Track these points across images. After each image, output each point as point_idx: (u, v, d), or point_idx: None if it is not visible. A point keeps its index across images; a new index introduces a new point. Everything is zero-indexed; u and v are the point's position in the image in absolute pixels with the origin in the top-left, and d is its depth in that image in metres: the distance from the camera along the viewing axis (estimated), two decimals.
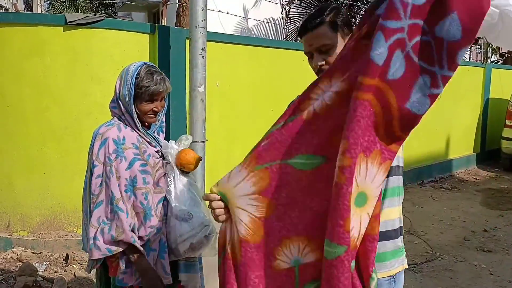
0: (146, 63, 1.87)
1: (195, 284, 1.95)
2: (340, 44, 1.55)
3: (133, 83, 1.79)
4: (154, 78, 1.82)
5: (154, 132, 1.94)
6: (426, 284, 3.67)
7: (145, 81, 1.80)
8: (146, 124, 1.91)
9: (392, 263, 1.54)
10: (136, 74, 1.80)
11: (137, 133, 1.86)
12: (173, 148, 1.89)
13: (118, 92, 1.83)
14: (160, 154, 1.92)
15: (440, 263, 4.09)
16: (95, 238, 1.74)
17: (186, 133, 3.82)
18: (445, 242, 4.60)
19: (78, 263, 3.61)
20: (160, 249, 1.83)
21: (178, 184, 1.86)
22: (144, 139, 1.87)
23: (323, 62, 1.56)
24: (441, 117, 7.51)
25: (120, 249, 1.75)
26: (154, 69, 1.86)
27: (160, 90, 1.83)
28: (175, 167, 1.87)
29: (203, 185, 3.32)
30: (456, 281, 3.74)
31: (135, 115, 1.82)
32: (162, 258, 1.83)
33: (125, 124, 1.85)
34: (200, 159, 1.91)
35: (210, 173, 3.71)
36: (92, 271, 1.91)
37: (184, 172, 1.89)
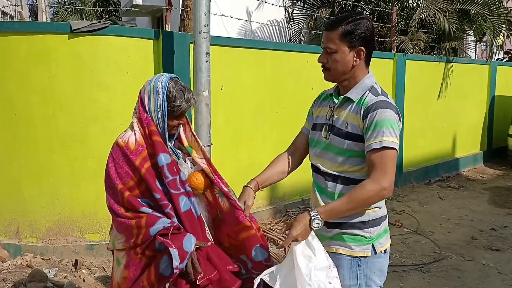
0: (171, 77, 1.85)
1: None
2: (344, 54, 1.72)
3: (165, 101, 1.79)
4: (186, 96, 1.82)
5: (172, 143, 1.95)
6: (434, 284, 3.67)
7: (177, 101, 1.81)
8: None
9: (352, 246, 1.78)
10: (167, 92, 1.80)
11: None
12: (187, 168, 1.91)
13: (148, 109, 1.81)
14: None
15: (448, 262, 4.08)
16: None
17: None
18: (452, 241, 4.59)
19: (87, 268, 3.64)
20: None
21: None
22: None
23: (325, 61, 1.76)
24: (447, 116, 7.49)
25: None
26: (182, 85, 1.85)
27: (191, 108, 1.86)
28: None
29: None
30: (464, 280, 3.73)
31: (166, 131, 1.83)
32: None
33: None
34: (209, 185, 1.92)
35: None
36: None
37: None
